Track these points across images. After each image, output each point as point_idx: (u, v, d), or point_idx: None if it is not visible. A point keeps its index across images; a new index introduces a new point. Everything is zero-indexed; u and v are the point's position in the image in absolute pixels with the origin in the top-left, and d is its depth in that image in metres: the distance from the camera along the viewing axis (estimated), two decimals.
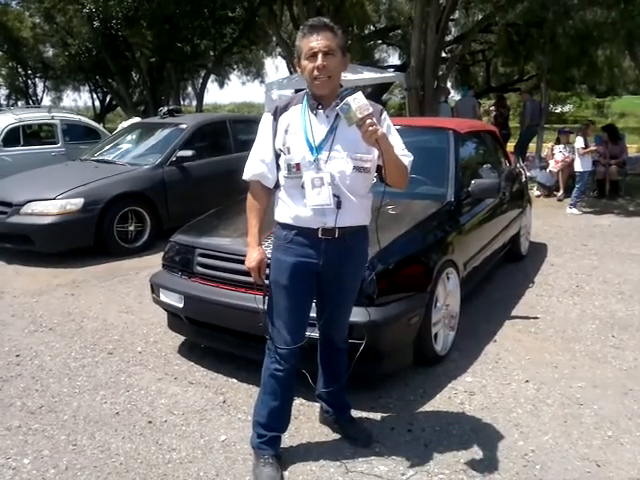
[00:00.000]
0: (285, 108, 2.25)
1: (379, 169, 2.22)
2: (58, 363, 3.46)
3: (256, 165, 2.28)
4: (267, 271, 2.34)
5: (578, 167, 7.82)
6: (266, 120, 2.28)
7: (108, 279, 5.08)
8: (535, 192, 8.76)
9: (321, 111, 2.18)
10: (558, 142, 9.31)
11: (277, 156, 2.24)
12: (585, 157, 7.75)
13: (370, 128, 1.96)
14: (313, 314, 2.40)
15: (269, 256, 2.35)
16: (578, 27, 12.61)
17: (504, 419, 2.77)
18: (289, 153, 2.18)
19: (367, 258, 2.43)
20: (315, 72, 2.10)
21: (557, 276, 4.97)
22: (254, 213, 2.31)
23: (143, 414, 2.87)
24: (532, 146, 11.31)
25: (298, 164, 2.16)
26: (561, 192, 8.75)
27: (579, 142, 7.77)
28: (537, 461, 2.44)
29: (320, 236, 2.18)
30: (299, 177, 2.16)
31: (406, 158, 2.20)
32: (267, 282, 2.34)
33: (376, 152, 2.15)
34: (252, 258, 2.29)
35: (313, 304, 2.38)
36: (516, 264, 5.27)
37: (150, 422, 2.79)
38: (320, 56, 2.08)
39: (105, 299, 4.58)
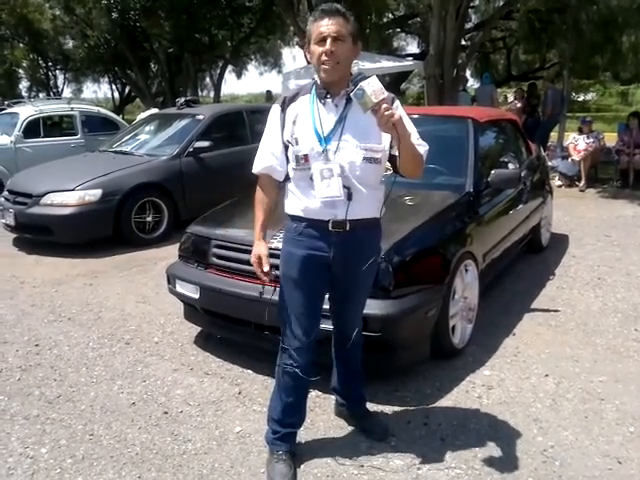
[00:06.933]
0: (293, 99, 2.20)
1: (392, 159, 2.15)
2: (76, 353, 3.50)
3: (265, 158, 2.24)
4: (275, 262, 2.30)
5: None
6: (274, 112, 2.24)
7: (126, 269, 5.12)
8: (556, 182, 8.59)
9: (329, 100, 2.12)
10: (581, 132, 9.13)
11: (286, 148, 2.19)
12: None
13: (386, 113, 1.88)
14: (327, 306, 2.37)
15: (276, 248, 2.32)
16: (602, 12, 12.34)
17: (523, 414, 2.72)
18: (297, 144, 2.13)
19: (380, 251, 2.37)
20: (323, 57, 2.04)
21: (578, 268, 4.87)
22: (261, 206, 2.28)
23: (159, 404, 2.88)
24: (554, 135, 11.10)
25: (306, 155, 2.11)
26: (583, 182, 8.57)
27: None
28: (556, 457, 2.40)
29: (331, 229, 2.13)
30: (307, 169, 2.11)
31: (422, 147, 2.14)
32: (275, 273, 2.30)
33: (387, 142, 2.10)
34: (254, 252, 2.26)
35: (326, 297, 2.34)
36: (536, 256, 5.18)
37: (166, 413, 2.80)
38: (329, 41, 2.02)
39: (123, 289, 4.62)
